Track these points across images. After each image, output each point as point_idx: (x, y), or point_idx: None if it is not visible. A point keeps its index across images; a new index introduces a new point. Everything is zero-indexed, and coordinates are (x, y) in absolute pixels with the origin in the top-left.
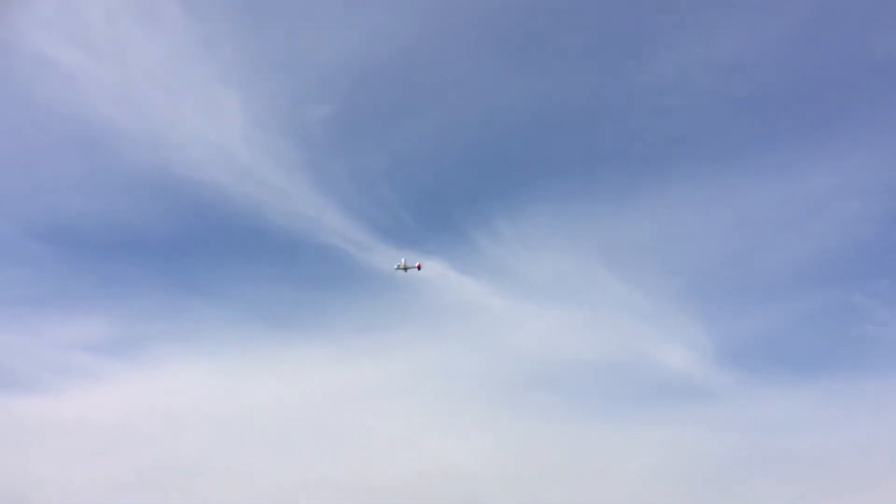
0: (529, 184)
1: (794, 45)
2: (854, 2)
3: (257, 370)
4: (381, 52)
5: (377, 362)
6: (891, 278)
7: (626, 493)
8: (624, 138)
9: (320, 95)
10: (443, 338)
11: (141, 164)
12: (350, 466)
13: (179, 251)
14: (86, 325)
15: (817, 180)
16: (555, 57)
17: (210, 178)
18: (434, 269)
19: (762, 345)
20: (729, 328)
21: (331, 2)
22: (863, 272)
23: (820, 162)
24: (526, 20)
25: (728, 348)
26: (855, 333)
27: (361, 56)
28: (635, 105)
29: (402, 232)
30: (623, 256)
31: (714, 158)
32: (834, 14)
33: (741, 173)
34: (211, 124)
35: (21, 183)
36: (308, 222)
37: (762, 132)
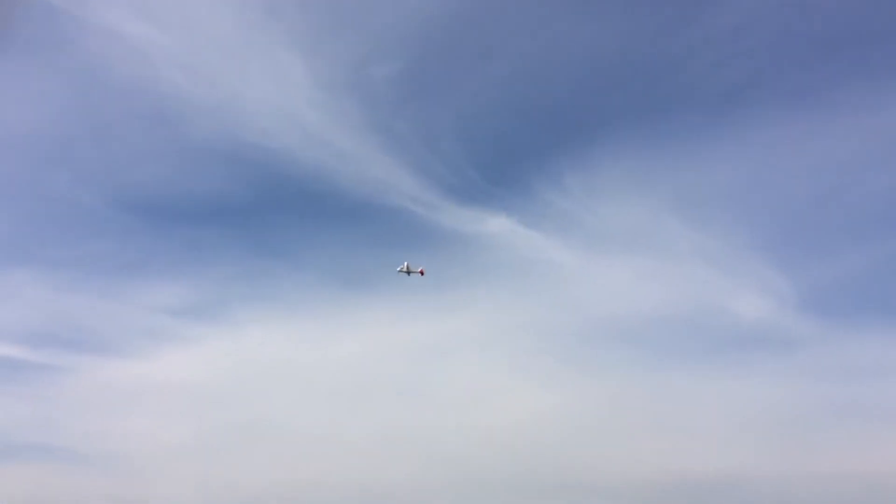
0: (598, 134)
1: None
2: None
3: (333, 329)
4: (444, 8)
5: (447, 319)
6: None
7: (703, 445)
8: (697, 82)
9: (384, 55)
10: (512, 293)
11: (212, 133)
12: (423, 420)
13: (255, 217)
14: (171, 290)
15: None
16: (624, 3)
17: (279, 143)
18: (501, 226)
19: (847, 289)
20: (811, 273)
21: None
22: None
23: None
24: None
25: (810, 294)
26: None
27: (424, 13)
28: (709, 47)
29: (469, 189)
30: (696, 204)
31: (793, 99)
32: None
33: (821, 113)
34: (277, 90)
35: (102, 157)
36: (376, 184)
37: (841, 70)
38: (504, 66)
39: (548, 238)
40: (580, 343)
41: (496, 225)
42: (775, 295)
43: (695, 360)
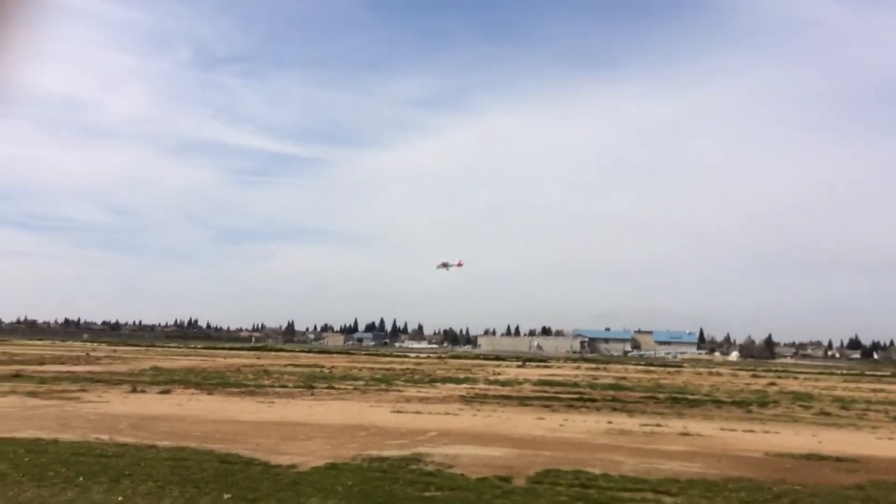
0: None
1: None
2: None
3: (572, 110)
4: None
5: (693, 93)
6: None
7: None
8: None
9: None
10: (763, 60)
11: None
12: (672, 198)
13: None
14: (415, 82)
15: None
16: None
17: None
18: None
19: None
20: None
21: None
22: None
23: None
24: None
25: None
26: None
27: None
28: None
29: None
30: None
31: None
32: None
33: None
34: None
35: None
36: None
37: None
38: None
39: None
40: (846, 110)
41: None
42: None
43: None
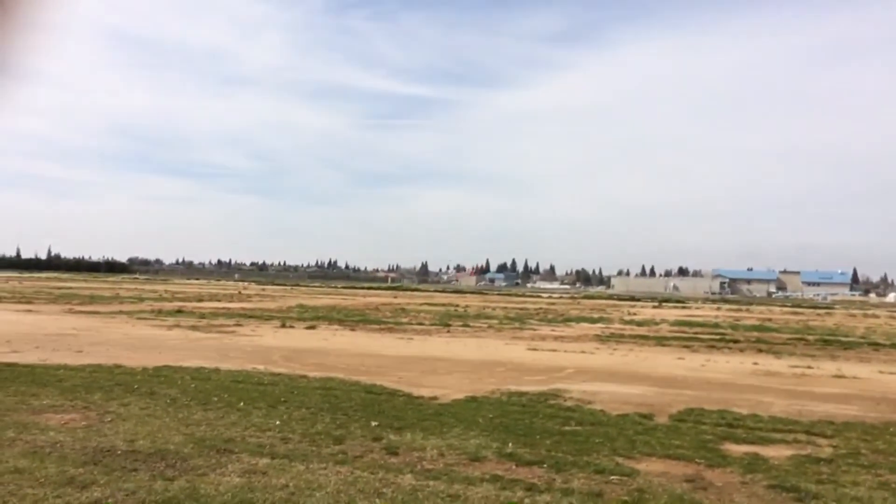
0: None
1: None
2: None
3: (715, 37)
4: None
5: (847, 15)
6: None
7: None
8: None
9: None
10: None
11: None
12: (825, 130)
13: None
14: (544, 16)
15: None
16: None
17: None
18: None
19: None
20: None
21: None
22: None
23: None
24: None
25: None
26: None
27: None
28: None
29: None
30: None
31: None
32: None
33: None
34: None
35: None
36: None
37: None
38: None
39: None
40: None
41: None
42: None
43: None
